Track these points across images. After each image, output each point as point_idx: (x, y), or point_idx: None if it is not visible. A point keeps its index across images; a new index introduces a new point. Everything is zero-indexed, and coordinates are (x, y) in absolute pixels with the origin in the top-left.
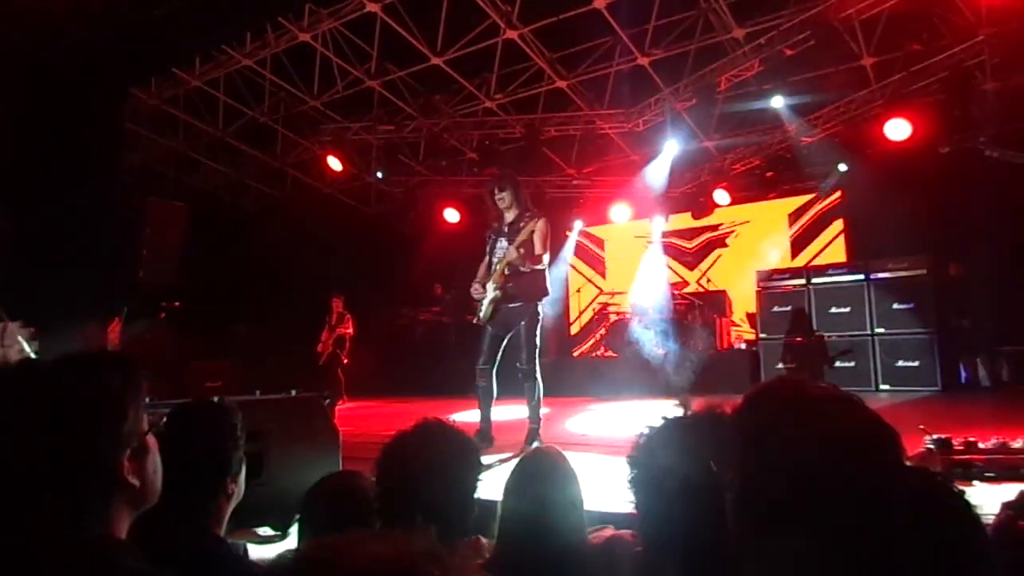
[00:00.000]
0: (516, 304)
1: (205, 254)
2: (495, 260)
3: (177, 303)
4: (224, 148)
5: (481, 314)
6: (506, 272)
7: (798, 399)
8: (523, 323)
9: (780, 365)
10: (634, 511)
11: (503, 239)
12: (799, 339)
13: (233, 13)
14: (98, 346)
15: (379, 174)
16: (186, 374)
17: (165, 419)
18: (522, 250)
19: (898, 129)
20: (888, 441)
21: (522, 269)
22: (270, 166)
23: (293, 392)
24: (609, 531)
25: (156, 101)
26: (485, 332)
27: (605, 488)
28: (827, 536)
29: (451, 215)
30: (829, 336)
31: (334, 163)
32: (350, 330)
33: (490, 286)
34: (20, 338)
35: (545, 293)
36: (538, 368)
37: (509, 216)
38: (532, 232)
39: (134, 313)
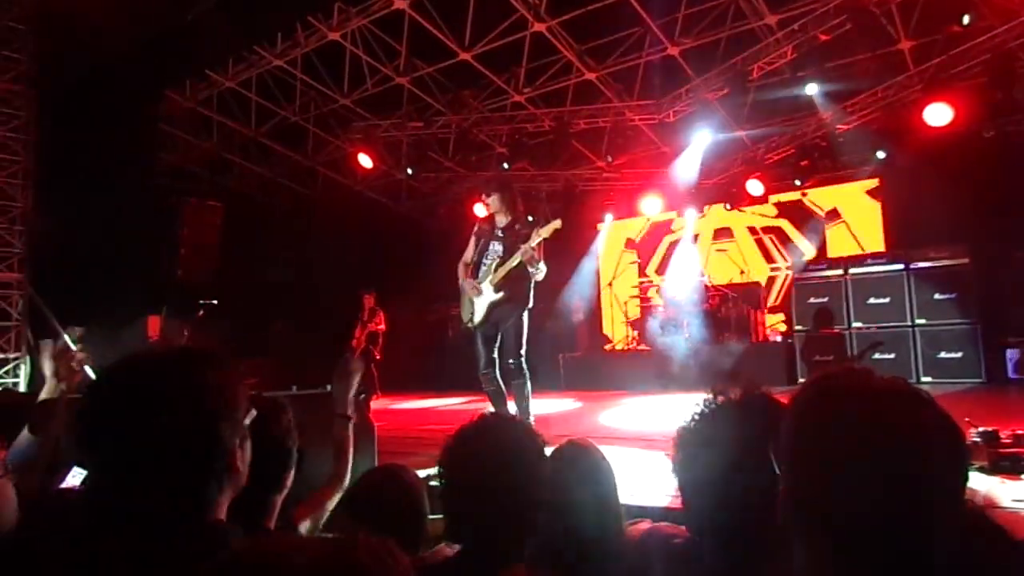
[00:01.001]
0: (507, 305)
1: (240, 253)
2: (486, 262)
3: (215, 301)
4: (257, 148)
5: (476, 318)
6: (509, 272)
7: (859, 394)
8: (510, 321)
9: (817, 357)
10: (678, 494)
11: (496, 243)
12: (835, 330)
13: (264, 14)
14: (173, 342)
15: (408, 171)
16: None
17: None
18: (535, 251)
19: (938, 114)
20: (947, 456)
21: (531, 271)
22: (302, 165)
23: (328, 388)
24: (646, 524)
25: (190, 103)
26: (476, 337)
27: (640, 482)
28: (862, 550)
29: (481, 210)
30: (870, 328)
31: (364, 160)
32: (382, 326)
33: (487, 287)
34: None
35: (529, 301)
36: (525, 363)
37: (501, 220)
38: (537, 238)
39: (173, 311)
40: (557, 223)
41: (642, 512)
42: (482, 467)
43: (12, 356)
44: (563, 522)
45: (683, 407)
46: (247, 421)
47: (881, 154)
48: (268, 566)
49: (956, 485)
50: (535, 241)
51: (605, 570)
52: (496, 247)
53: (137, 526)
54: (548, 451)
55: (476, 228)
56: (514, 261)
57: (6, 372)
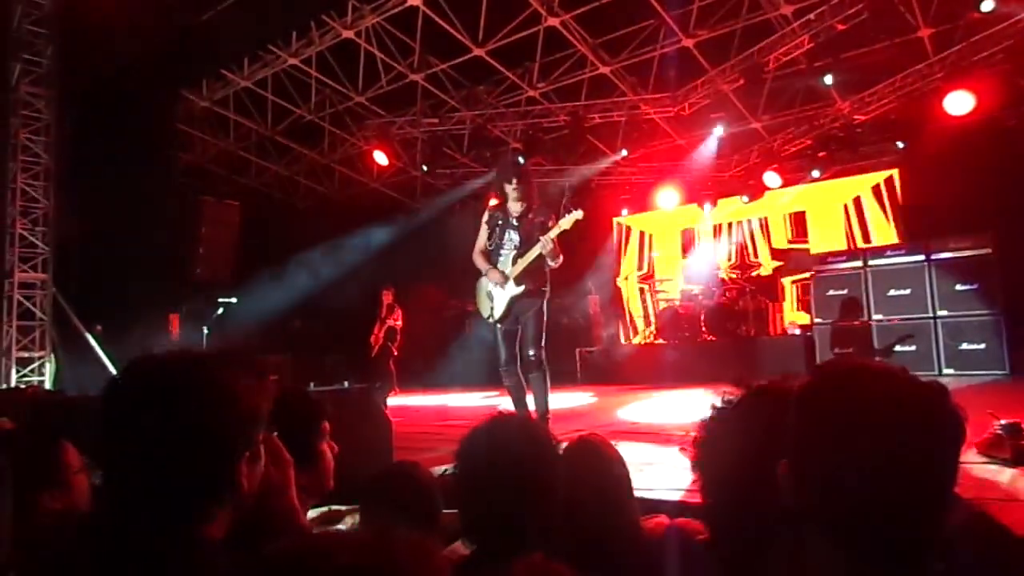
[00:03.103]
0: (528, 298)
1: (258, 250)
2: (503, 252)
3: (233, 299)
4: (274, 146)
5: (497, 313)
6: (528, 264)
7: (858, 382)
8: (531, 313)
9: (837, 349)
10: (695, 489)
11: (511, 231)
12: (856, 322)
13: (279, 13)
14: (180, 345)
15: (423, 168)
16: None
17: None
18: (555, 243)
19: (959, 103)
20: (945, 440)
21: (551, 263)
22: (318, 162)
23: (346, 384)
24: (662, 518)
25: (207, 102)
26: (496, 332)
27: (656, 476)
28: (863, 533)
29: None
30: (891, 320)
31: (380, 157)
32: (399, 322)
33: (511, 281)
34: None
35: (547, 292)
36: (544, 356)
37: (516, 208)
38: (557, 229)
39: (192, 310)
40: (578, 214)
41: (658, 507)
42: (495, 465)
43: (37, 355)
44: (576, 517)
45: (699, 401)
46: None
47: (900, 144)
48: (309, 564)
49: (953, 468)
50: (556, 232)
51: (619, 564)
52: (512, 236)
53: (124, 534)
54: (562, 448)
55: (488, 215)
56: (534, 253)
57: (31, 370)
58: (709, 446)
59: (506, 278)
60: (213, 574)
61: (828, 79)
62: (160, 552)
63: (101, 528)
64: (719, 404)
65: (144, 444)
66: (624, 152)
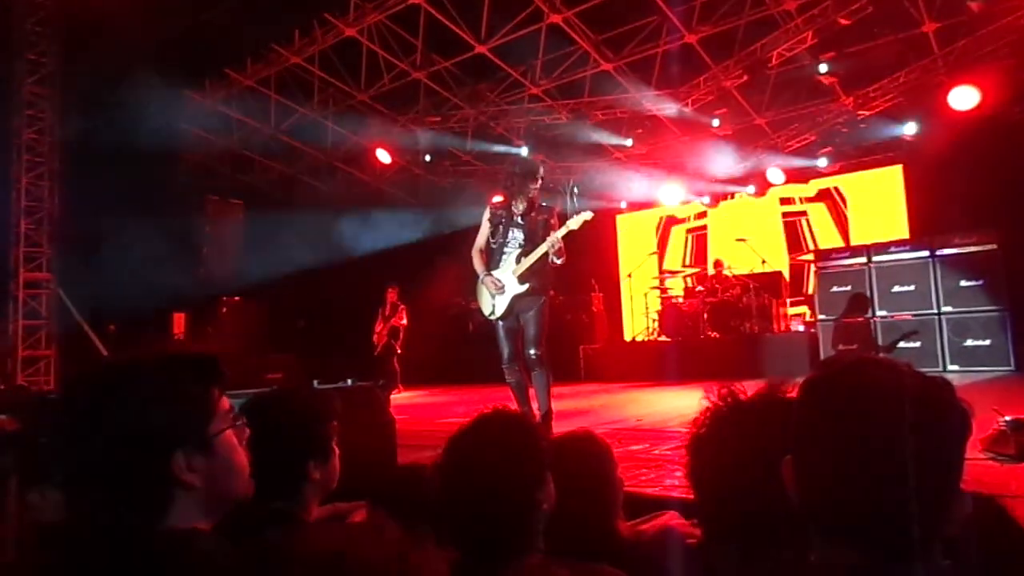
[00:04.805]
0: (530, 296)
1: (262, 249)
2: (507, 251)
3: (237, 298)
4: (277, 145)
5: (499, 311)
6: (533, 263)
7: (868, 385)
8: (532, 311)
9: (840, 346)
10: (691, 495)
11: (515, 229)
12: (860, 319)
13: (281, 12)
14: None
15: (427, 157)
16: (247, 367)
17: (245, 408)
18: (561, 242)
19: (964, 98)
20: (949, 434)
21: (557, 261)
22: (321, 161)
23: (349, 382)
24: (668, 516)
25: (210, 102)
26: (498, 329)
27: (658, 473)
28: (863, 531)
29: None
30: (895, 316)
31: (383, 155)
32: (404, 321)
33: (511, 279)
34: None
35: (549, 290)
36: (544, 354)
37: (520, 206)
38: (566, 229)
39: (196, 309)
40: (588, 215)
41: (663, 505)
42: (480, 470)
43: (42, 354)
44: (564, 514)
45: (703, 399)
46: (213, 429)
47: (912, 128)
48: (309, 564)
49: (959, 463)
50: (563, 232)
51: (609, 560)
52: (516, 234)
53: (85, 537)
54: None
55: (490, 212)
56: (539, 252)
57: (36, 370)
58: (702, 452)
59: (502, 286)
60: (186, 565)
61: (832, 74)
62: (118, 548)
63: (67, 533)
64: (712, 409)
65: (77, 451)
66: (630, 141)
